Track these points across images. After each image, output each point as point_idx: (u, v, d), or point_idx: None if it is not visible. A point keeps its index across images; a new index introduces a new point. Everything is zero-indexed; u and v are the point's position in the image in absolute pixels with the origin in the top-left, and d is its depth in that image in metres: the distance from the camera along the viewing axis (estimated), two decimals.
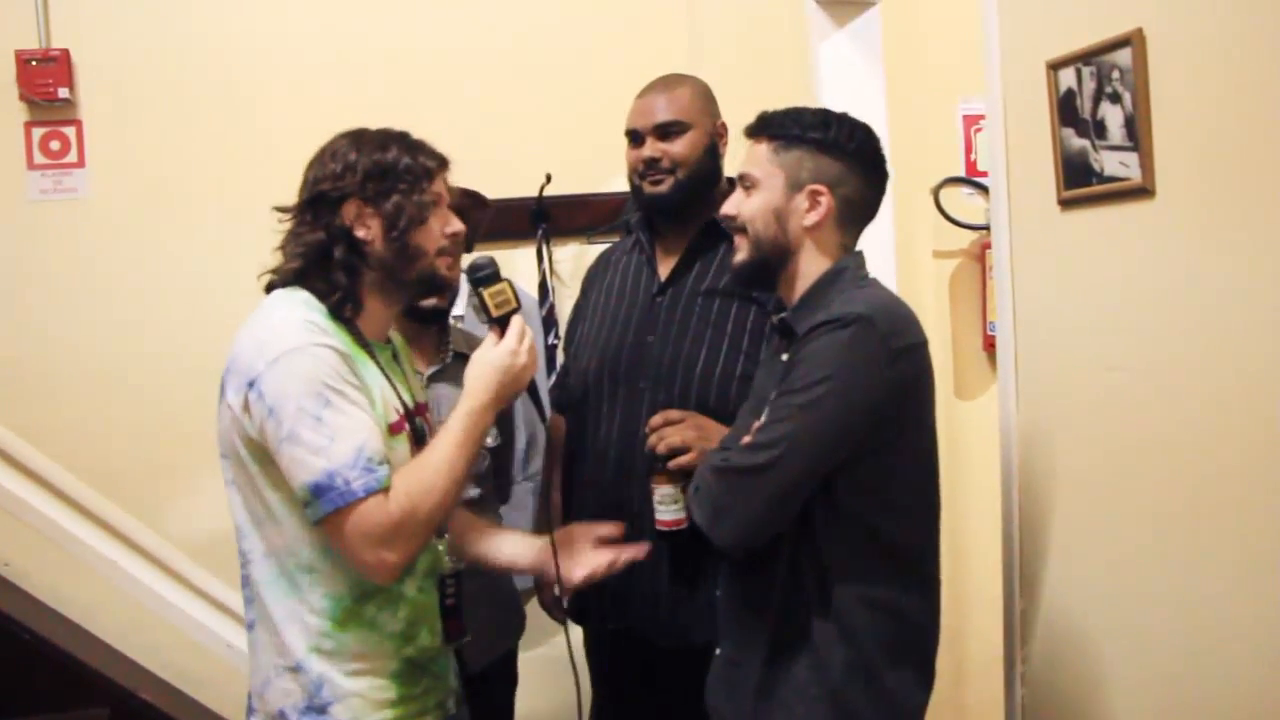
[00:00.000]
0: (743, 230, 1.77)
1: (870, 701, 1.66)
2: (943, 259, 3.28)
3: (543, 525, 2.42)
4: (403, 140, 1.71)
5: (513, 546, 1.94)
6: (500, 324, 1.72)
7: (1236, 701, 1.59)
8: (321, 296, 1.64)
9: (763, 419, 1.66)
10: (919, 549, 1.72)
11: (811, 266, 1.74)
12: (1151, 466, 1.74)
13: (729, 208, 1.79)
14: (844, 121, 1.76)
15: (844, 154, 1.73)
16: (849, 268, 1.75)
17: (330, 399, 1.55)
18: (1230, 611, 1.59)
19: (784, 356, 1.73)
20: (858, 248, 1.80)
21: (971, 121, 3.26)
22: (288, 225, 1.70)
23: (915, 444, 1.70)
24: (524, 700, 2.97)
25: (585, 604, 2.29)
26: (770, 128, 1.76)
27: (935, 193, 3.18)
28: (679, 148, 2.19)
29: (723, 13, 3.18)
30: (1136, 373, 1.76)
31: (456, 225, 1.73)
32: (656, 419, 1.99)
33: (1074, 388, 1.94)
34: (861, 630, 1.65)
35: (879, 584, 1.67)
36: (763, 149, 1.76)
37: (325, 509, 1.53)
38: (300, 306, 1.63)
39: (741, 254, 1.78)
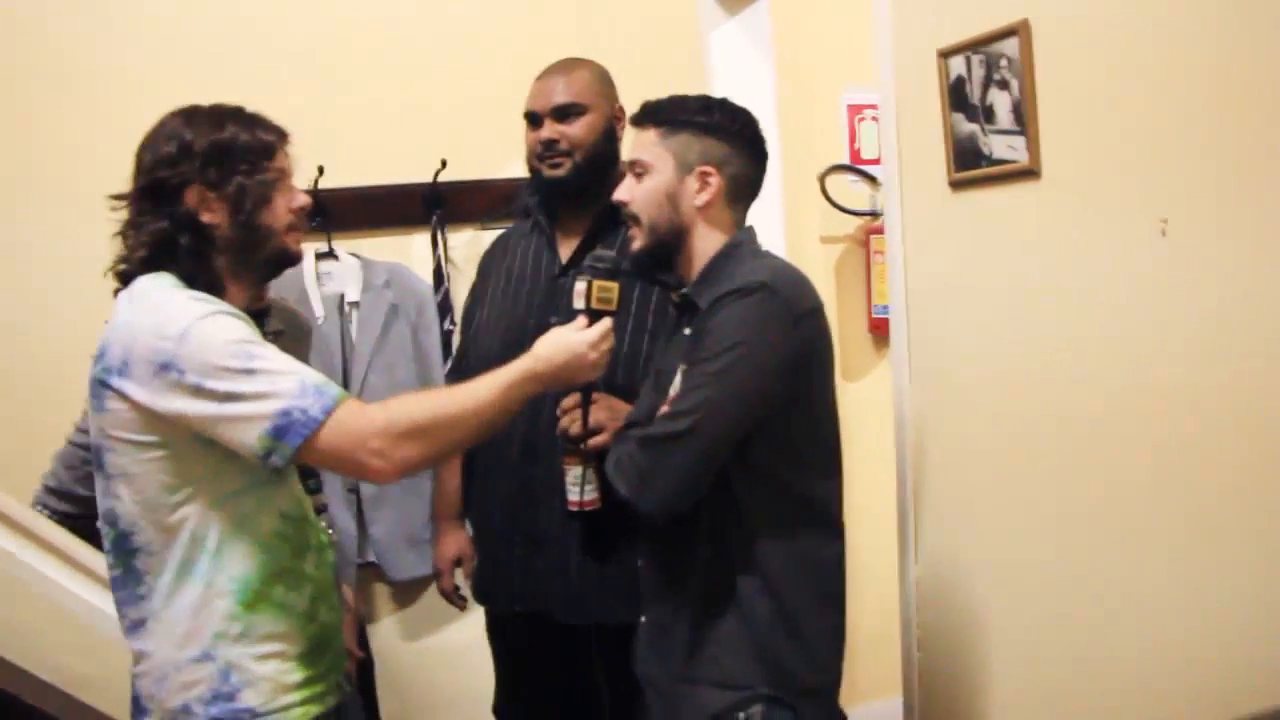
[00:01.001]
0: (635, 218, 1.82)
1: (795, 650, 1.73)
2: (829, 244, 3.38)
3: (442, 510, 2.44)
4: (239, 116, 1.66)
5: None
6: (593, 316, 1.75)
7: (1117, 654, 1.69)
8: (185, 280, 1.61)
9: (676, 389, 1.71)
10: (830, 500, 1.81)
11: (706, 244, 1.81)
12: (1040, 440, 1.83)
13: (622, 194, 1.84)
14: (725, 105, 1.84)
15: (728, 135, 1.81)
16: (744, 242, 1.83)
17: (253, 352, 1.53)
18: (1109, 571, 1.69)
19: (686, 331, 1.79)
20: (747, 224, 1.87)
21: (855, 111, 3.36)
22: (123, 212, 1.65)
23: (820, 402, 1.78)
24: (432, 687, 2.98)
25: (491, 588, 2.31)
26: (656, 115, 1.83)
27: (822, 180, 3.28)
28: (577, 130, 2.20)
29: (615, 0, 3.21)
30: (1025, 352, 1.85)
31: (302, 199, 1.71)
32: (568, 400, 2.00)
33: (965, 365, 2.03)
34: (785, 582, 1.73)
35: (798, 536, 1.75)
36: (650, 135, 1.82)
37: (293, 442, 1.52)
38: (175, 288, 1.59)
39: (638, 241, 1.83)
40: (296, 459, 1.55)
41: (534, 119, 2.23)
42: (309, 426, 1.52)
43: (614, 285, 1.77)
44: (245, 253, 1.66)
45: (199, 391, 1.50)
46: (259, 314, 2.20)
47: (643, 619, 1.89)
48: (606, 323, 1.76)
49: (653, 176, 1.80)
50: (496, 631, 2.41)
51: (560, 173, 2.21)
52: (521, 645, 2.35)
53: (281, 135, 1.69)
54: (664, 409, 1.71)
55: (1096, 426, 1.70)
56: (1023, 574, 1.90)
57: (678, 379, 1.73)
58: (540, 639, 2.28)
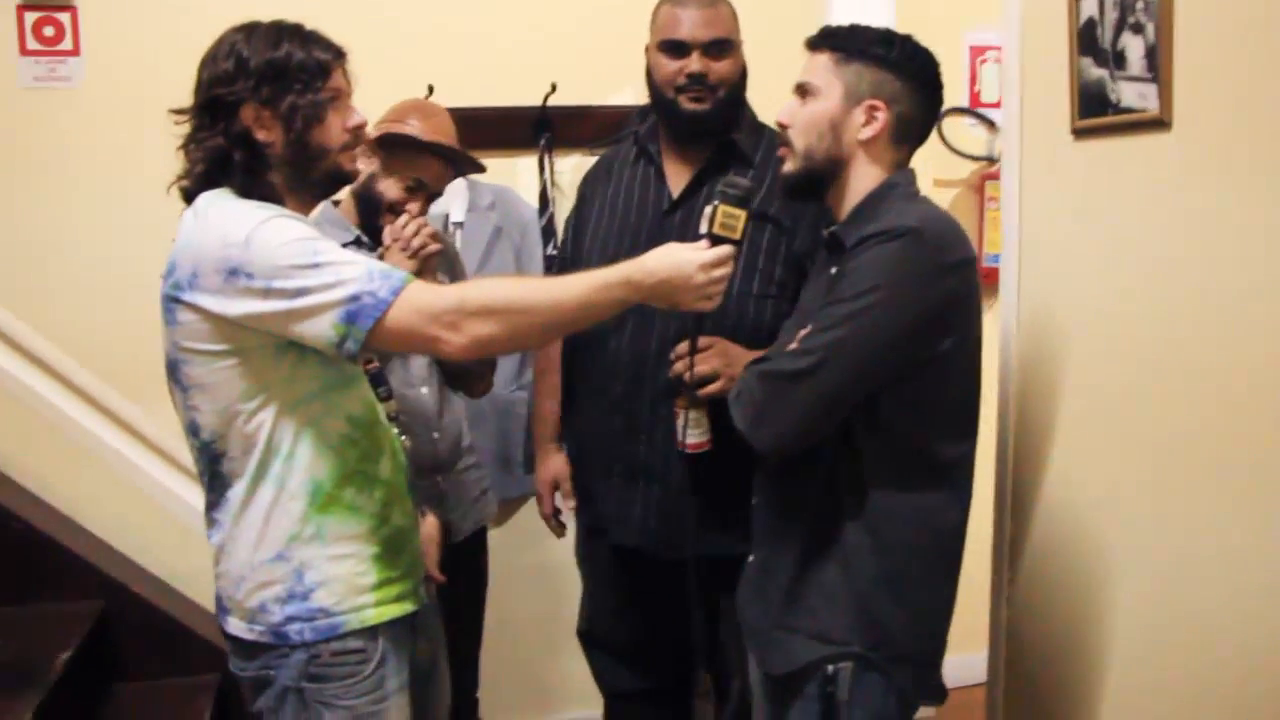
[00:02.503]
0: (788, 141, 1.77)
1: (897, 613, 1.70)
2: (943, 188, 3.28)
3: (541, 432, 2.46)
4: (296, 34, 1.67)
5: None
6: (714, 241, 1.67)
7: (1225, 625, 1.62)
8: (244, 196, 1.64)
9: (808, 328, 1.67)
10: (958, 463, 1.75)
11: (863, 181, 1.76)
12: (1154, 398, 1.76)
13: (784, 115, 1.79)
14: (907, 42, 1.78)
15: (903, 72, 1.75)
16: (900, 184, 1.76)
17: (317, 247, 1.57)
18: (1225, 539, 1.62)
19: (832, 270, 1.75)
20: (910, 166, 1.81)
21: (978, 53, 3.25)
22: (185, 127, 1.67)
23: (960, 360, 1.72)
24: (518, 607, 3.04)
25: (601, 522, 2.32)
26: (833, 39, 1.77)
27: (938, 122, 3.17)
28: (725, 67, 2.17)
29: None
30: (1144, 306, 1.78)
31: (358, 118, 1.72)
32: (683, 345, 1.97)
33: (1077, 320, 1.96)
34: (897, 542, 1.70)
35: (917, 496, 1.71)
36: (823, 59, 1.76)
37: (365, 325, 1.55)
38: (234, 199, 1.63)
39: (790, 164, 1.78)
40: (371, 342, 1.58)
41: (680, 48, 2.16)
42: (379, 308, 1.55)
43: (741, 213, 1.69)
44: (300, 170, 1.68)
45: (269, 292, 1.54)
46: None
47: (750, 558, 1.88)
48: (726, 249, 1.67)
49: (818, 101, 1.75)
50: (589, 556, 2.44)
51: (704, 107, 2.16)
52: (614, 573, 2.37)
53: (339, 54, 1.70)
54: (792, 345, 1.67)
55: (1219, 390, 1.62)
56: (1124, 554, 1.83)
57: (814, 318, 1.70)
58: (633, 568, 2.30)
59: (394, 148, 2.20)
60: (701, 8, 2.17)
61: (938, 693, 1.81)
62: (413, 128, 2.23)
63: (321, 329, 1.56)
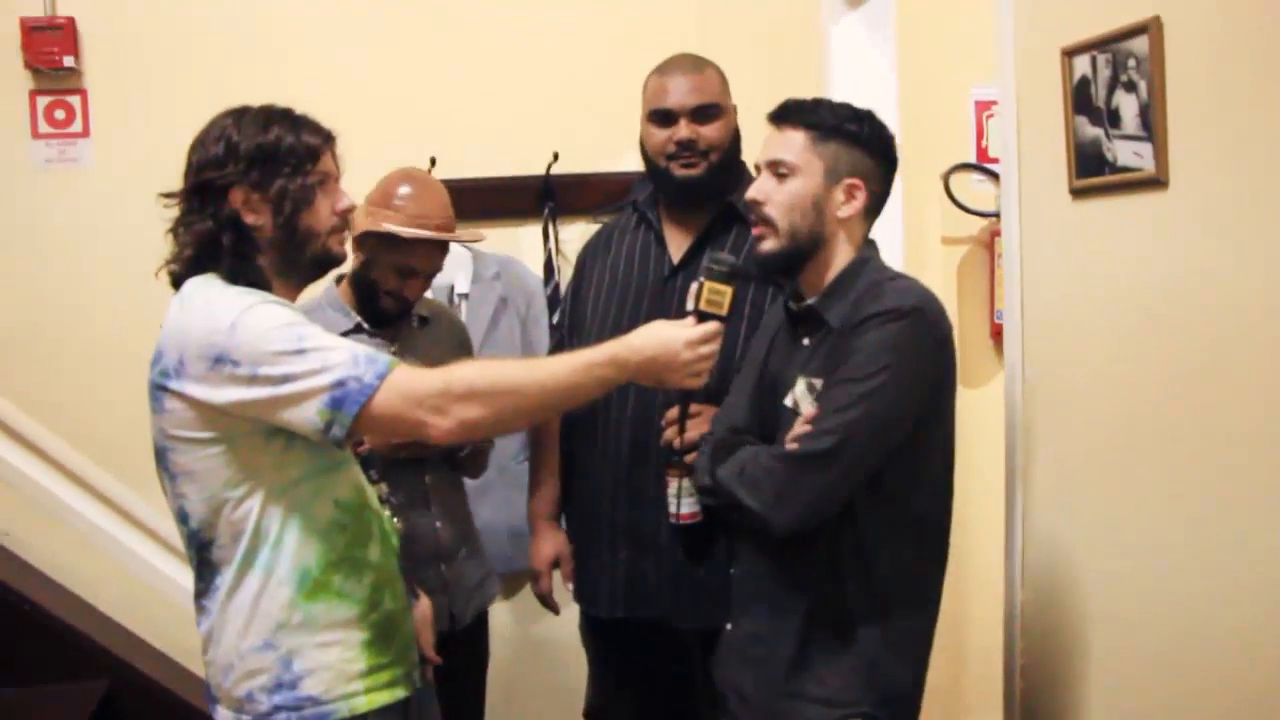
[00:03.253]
0: (769, 220, 1.77)
1: (900, 669, 1.75)
2: (951, 245, 3.25)
3: (539, 509, 2.44)
4: (285, 118, 1.68)
5: None
6: (701, 319, 1.68)
7: (1233, 698, 1.57)
8: (231, 280, 1.63)
9: (811, 406, 1.70)
10: (943, 525, 1.80)
11: (840, 256, 1.79)
12: (1158, 460, 1.72)
13: (758, 194, 1.78)
14: (872, 118, 1.82)
15: (873, 150, 1.79)
16: (872, 257, 1.81)
17: (302, 333, 1.56)
18: (1233, 612, 1.57)
19: (805, 341, 1.79)
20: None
21: (984, 107, 3.22)
22: (175, 209, 1.68)
23: (946, 426, 1.78)
24: (524, 682, 2.99)
25: (592, 590, 2.29)
26: (807, 117, 1.78)
27: (945, 179, 3.15)
28: (714, 132, 2.18)
29: None
30: (1144, 365, 1.74)
31: (346, 202, 1.72)
32: (673, 412, 1.97)
33: (1081, 379, 1.92)
34: (897, 605, 1.74)
35: (911, 559, 1.76)
36: (798, 137, 1.77)
37: (351, 410, 1.53)
38: (220, 285, 1.62)
39: (770, 243, 1.78)
40: (357, 428, 1.56)
41: (668, 117, 2.18)
42: (365, 393, 1.53)
43: (727, 289, 1.69)
44: (288, 253, 1.68)
45: (254, 379, 1.53)
46: (408, 309, 2.27)
47: (728, 626, 1.87)
48: (712, 326, 1.68)
49: (799, 180, 1.76)
50: (593, 633, 2.40)
51: (695, 173, 2.17)
52: (619, 648, 2.33)
53: (328, 137, 1.70)
54: (804, 426, 1.69)
55: (1221, 451, 1.58)
56: (1132, 600, 1.79)
57: (801, 390, 1.74)
58: (638, 643, 2.26)
59: (378, 239, 2.18)
60: (687, 75, 2.18)
61: None
62: (396, 214, 2.19)
63: (307, 415, 1.54)
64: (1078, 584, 1.94)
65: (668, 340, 1.65)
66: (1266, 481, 1.51)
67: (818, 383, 1.73)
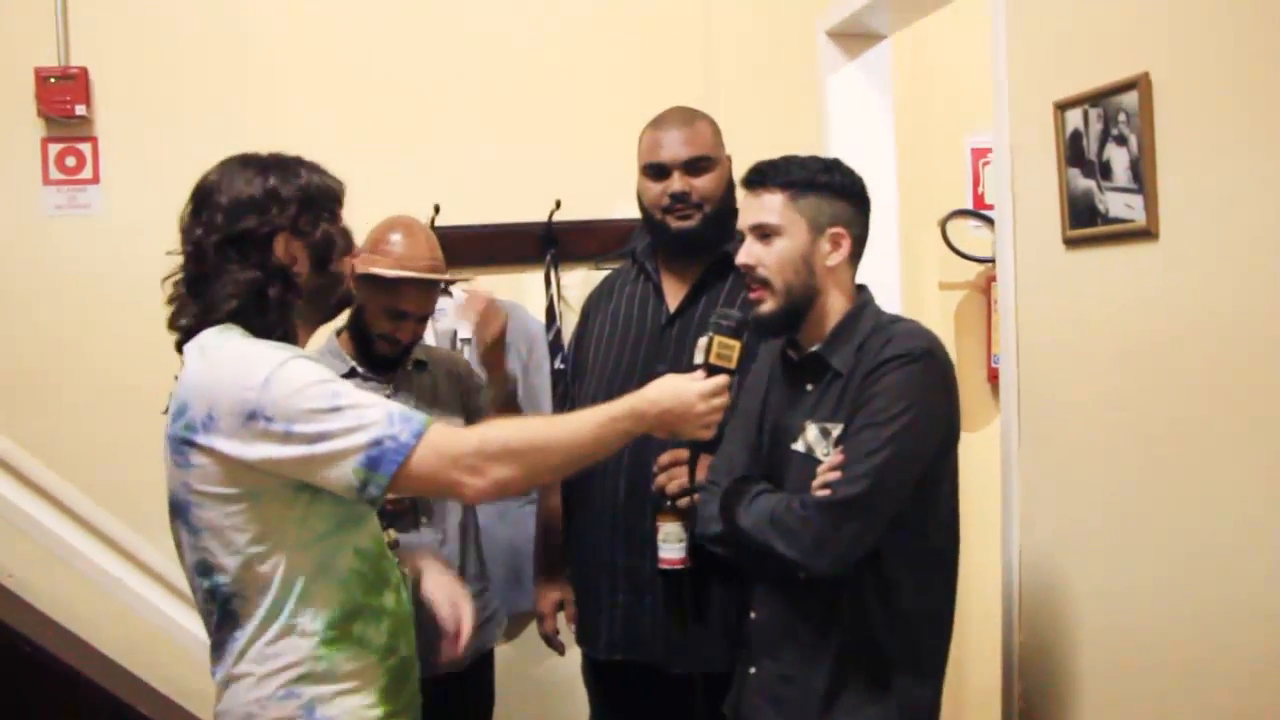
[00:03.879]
0: (766, 282, 1.81)
1: (926, 692, 1.81)
2: (949, 291, 3.29)
3: (545, 556, 2.46)
4: (302, 163, 1.66)
5: None
6: (710, 371, 1.72)
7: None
8: (257, 333, 1.59)
9: (843, 453, 1.72)
10: (954, 557, 1.86)
11: (836, 304, 1.84)
12: (1154, 507, 1.75)
13: (748, 258, 1.82)
14: (840, 165, 1.87)
15: (849, 195, 1.84)
16: (869, 302, 1.87)
17: (337, 389, 1.55)
18: (1232, 654, 1.59)
19: (809, 387, 1.83)
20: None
21: (980, 154, 3.27)
22: (190, 264, 1.61)
23: (953, 459, 1.83)
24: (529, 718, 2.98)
25: (593, 633, 2.30)
26: (778, 177, 1.82)
27: (942, 225, 3.20)
28: (707, 183, 2.20)
29: (735, 42, 3.21)
30: (1137, 411, 1.78)
31: (354, 244, 1.72)
32: (665, 458, 2.00)
33: (1077, 425, 1.95)
34: (921, 637, 1.80)
35: (929, 593, 1.81)
36: (776, 198, 1.81)
37: (388, 470, 1.52)
38: (246, 338, 1.58)
39: (769, 304, 1.82)
40: (394, 487, 1.55)
41: (661, 170, 2.21)
42: (401, 453, 1.52)
43: (736, 344, 1.74)
44: (319, 298, 1.68)
45: (289, 437, 1.51)
46: (405, 353, 2.29)
47: (751, 670, 1.88)
48: (723, 379, 1.72)
49: (785, 239, 1.80)
50: (594, 674, 2.40)
51: (690, 224, 2.20)
52: (620, 692, 2.33)
53: (340, 181, 1.70)
54: (833, 473, 1.71)
55: (1218, 496, 1.61)
56: (1129, 651, 1.81)
57: (814, 435, 1.78)
58: (639, 686, 2.26)
59: (368, 283, 2.20)
60: (679, 128, 2.22)
61: None
62: (385, 258, 2.22)
63: (342, 474, 1.53)
64: (1074, 625, 1.96)
65: (682, 393, 1.68)
66: (1253, 526, 1.53)
67: (832, 427, 1.77)
